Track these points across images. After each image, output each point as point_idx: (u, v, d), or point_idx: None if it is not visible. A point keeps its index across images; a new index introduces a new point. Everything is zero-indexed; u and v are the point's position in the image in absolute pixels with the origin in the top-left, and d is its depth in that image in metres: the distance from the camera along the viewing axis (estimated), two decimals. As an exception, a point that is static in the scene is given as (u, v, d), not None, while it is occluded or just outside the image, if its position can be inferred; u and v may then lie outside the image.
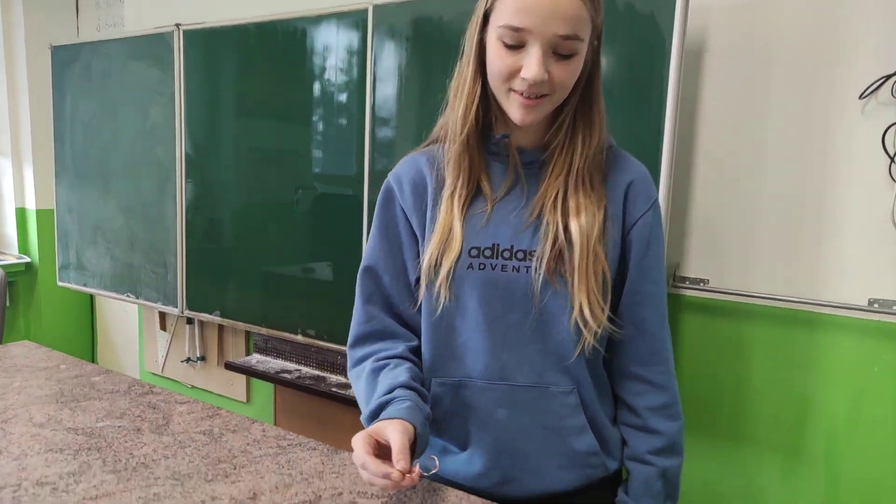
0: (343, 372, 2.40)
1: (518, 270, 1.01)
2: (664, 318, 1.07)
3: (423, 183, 1.08)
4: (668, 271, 1.85)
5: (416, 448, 0.92)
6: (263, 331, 2.48)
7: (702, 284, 1.89)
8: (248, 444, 1.14)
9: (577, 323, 0.99)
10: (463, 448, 1.08)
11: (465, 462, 1.07)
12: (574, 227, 0.98)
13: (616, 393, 1.11)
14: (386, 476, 0.83)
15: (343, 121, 2.20)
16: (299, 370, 2.46)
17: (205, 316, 2.65)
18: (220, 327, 2.93)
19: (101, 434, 1.15)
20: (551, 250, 0.98)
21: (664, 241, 1.10)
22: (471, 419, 1.06)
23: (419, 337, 1.11)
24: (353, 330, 1.13)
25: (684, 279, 1.90)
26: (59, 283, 3.15)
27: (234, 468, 1.05)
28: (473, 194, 1.04)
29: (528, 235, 1.01)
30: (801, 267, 1.78)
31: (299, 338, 2.38)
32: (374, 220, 1.11)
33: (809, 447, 1.83)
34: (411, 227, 1.09)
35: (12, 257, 3.67)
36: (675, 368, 1.09)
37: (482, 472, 1.06)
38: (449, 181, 1.04)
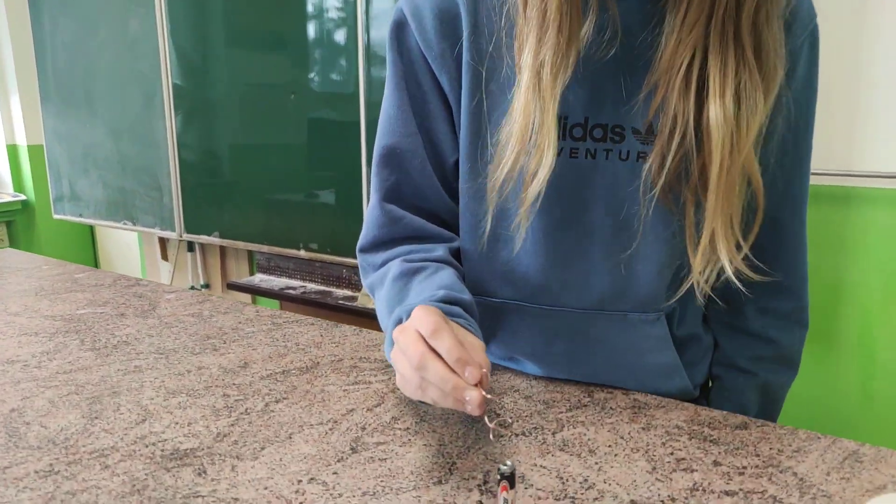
0: (350, 285, 2.32)
1: (610, 157, 0.73)
2: (804, 223, 0.82)
3: (453, 14, 0.74)
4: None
5: None
6: (265, 248, 2.39)
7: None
8: (239, 322, 1.05)
9: (686, 261, 0.73)
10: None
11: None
12: (715, 116, 0.65)
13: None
14: (459, 393, 0.57)
15: (337, 28, 2.05)
16: (304, 286, 2.38)
17: (204, 238, 2.56)
18: (223, 253, 2.84)
19: (80, 319, 1.06)
20: (674, 148, 0.68)
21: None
22: (517, 351, 0.84)
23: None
24: (369, 234, 0.84)
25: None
26: (55, 216, 3.06)
27: (224, 342, 0.96)
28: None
29: (636, 114, 0.71)
30: (836, 138, 1.64)
31: (302, 253, 2.29)
32: (387, 78, 0.81)
33: (843, 332, 1.73)
34: (439, 84, 0.78)
35: (8, 196, 3.58)
36: None
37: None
38: (532, 41, 0.67)
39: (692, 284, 0.73)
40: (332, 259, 2.26)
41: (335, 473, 0.63)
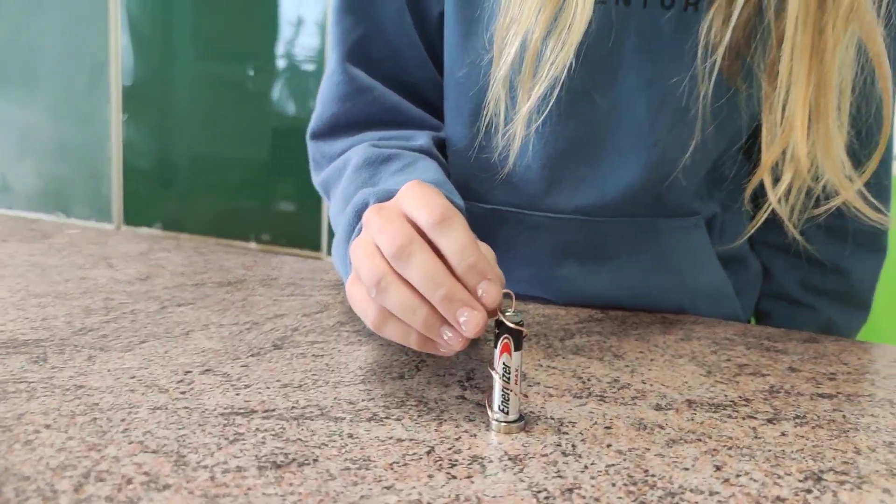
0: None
1: (650, 2, 0.52)
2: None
3: None
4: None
5: None
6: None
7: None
8: (150, 249, 0.84)
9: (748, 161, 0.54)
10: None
11: None
12: None
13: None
14: (457, 305, 0.33)
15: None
16: (253, 284, 2.15)
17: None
18: (166, 253, 2.60)
19: (-52, 242, 0.83)
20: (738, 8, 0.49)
21: None
22: (512, 277, 0.50)
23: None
24: (326, 111, 0.62)
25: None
26: (-18, 210, 2.78)
27: (125, 262, 0.75)
28: None
29: None
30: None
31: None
32: None
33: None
34: None
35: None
36: None
37: None
38: None
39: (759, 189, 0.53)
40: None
41: (244, 367, 0.42)
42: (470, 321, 0.33)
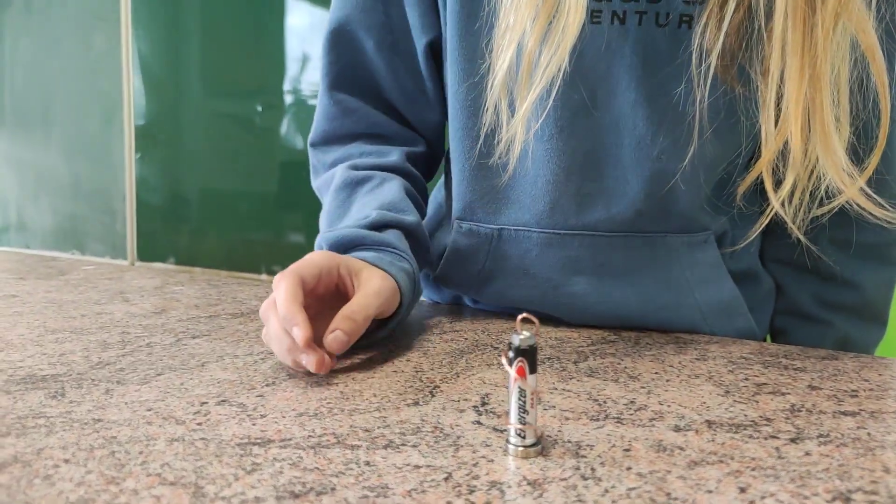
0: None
1: (644, 21, 0.54)
2: None
3: None
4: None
5: (398, 312, 0.54)
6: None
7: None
8: (165, 283, 0.84)
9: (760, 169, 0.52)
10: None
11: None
12: None
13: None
14: (294, 354, 0.45)
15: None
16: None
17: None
18: (180, 288, 2.61)
19: (-34, 281, 0.84)
20: (729, 11, 0.50)
21: None
22: (519, 295, 0.63)
23: (426, 138, 0.70)
24: (319, 128, 0.71)
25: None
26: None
27: (141, 296, 0.75)
28: None
29: None
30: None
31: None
32: None
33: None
34: None
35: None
36: None
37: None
38: None
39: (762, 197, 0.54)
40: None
41: (259, 396, 0.42)
42: (308, 362, 0.45)
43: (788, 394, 0.43)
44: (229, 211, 2.17)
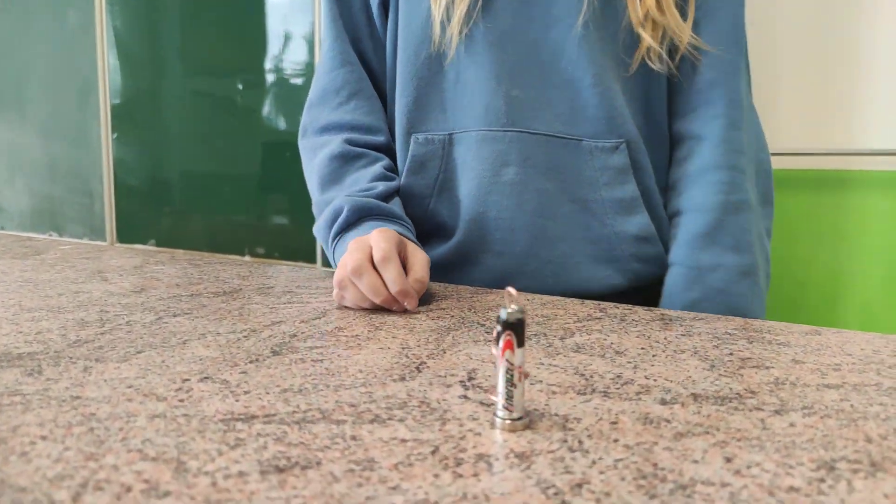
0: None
1: None
2: (742, 41, 0.72)
3: None
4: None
5: None
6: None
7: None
8: (145, 262, 0.83)
9: (631, 27, 0.69)
10: (453, 231, 0.74)
11: (454, 250, 0.73)
12: None
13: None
14: (390, 304, 0.59)
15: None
16: (248, 298, 2.13)
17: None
18: (160, 270, 2.58)
19: (-61, 261, 0.82)
20: None
21: None
22: (466, 188, 0.72)
23: (385, 96, 0.80)
24: (324, 78, 0.79)
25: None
26: (-27, 231, 2.76)
27: (120, 275, 0.74)
28: None
29: None
30: (829, 119, 1.53)
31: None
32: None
33: (843, 325, 1.57)
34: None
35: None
36: (768, 161, 0.74)
37: (477, 261, 0.72)
38: None
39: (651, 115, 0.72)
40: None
41: (243, 373, 0.42)
42: (398, 309, 0.59)
43: (772, 367, 0.43)
44: (211, 193, 2.14)
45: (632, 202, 0.70)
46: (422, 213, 0.74)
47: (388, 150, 0.77)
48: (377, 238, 0.60)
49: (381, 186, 0.70)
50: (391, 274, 0.58)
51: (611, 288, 0.70)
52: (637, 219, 0.70)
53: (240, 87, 2.02)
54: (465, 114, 0.71)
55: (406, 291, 0.58)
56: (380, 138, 0.76)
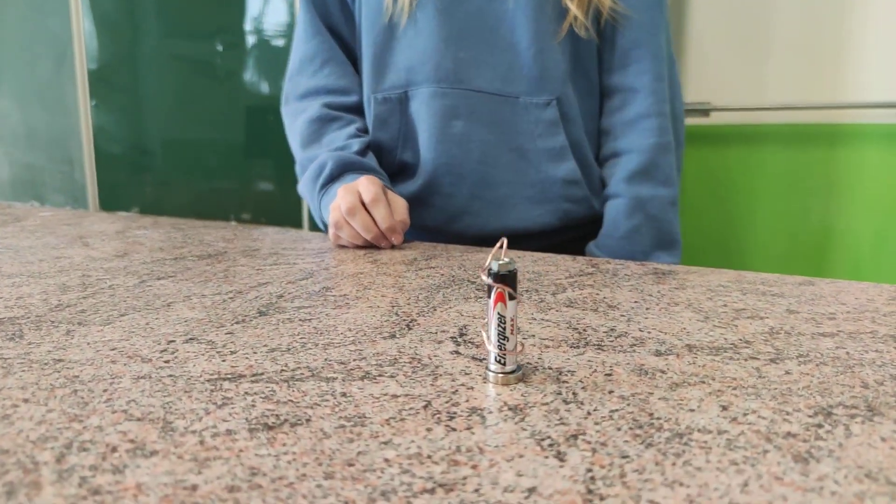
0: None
1: None
2: (662, 1, 0.79)
3: None
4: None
5: None
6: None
7: (704, 113, 1.61)
8: (127, 227, 0.81)
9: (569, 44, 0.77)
10: (413, 176, 0.81)
11: (412, 192, 0.80)
12: None
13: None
14: (378, 241, 0.70)
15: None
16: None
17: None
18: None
19: (-85, 230, 0.80)
20: None
21: None
22: (422, 139, 0.80)
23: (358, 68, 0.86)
24: (301, 49, 0.85)
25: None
26: (-47, 203, 2.71)
27: (102, 241, 0.72)
28: None
29: None
30: (822, 72, 1.51)
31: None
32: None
33: (833, 277, 1.59)
34: None
35: None
36: (681, 109, 0.83)
37: (431, 202, 0.80)
38: None
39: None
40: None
41: (229, 333, 0.41)
42: (386, 246, 0.70)
43: (767, 318, 0.43)
44: (194, 159, 2.10)
45: (561, 151, 0.78)
46: (391, 163, 0.82)
47: (361, 108, 0.84)
48: (365, 184, 0.70)
49: (357, 144, 0.78)
50: (381, 213, 0.68)
51: (544, 226, 0.79)
52: (566, 165, 0.78)
53: (220, 48, 1.97)
54: (417, 74, 0.78)
55: (394, 228, 0.68)
56: (353, 98, 0.83)
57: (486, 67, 0.76)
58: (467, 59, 0.76)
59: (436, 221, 0.80)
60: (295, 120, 0.82)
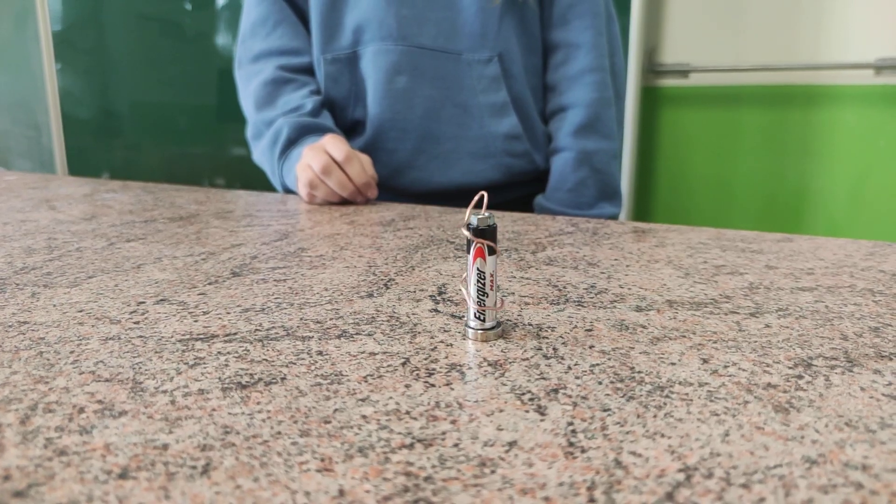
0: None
1: None
2: (598, 14, 0.81)
3: None
4: (643, 58, 1.55)
5: None
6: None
7: (684, 74, 1.60)
8: (95, 190, 0.79)
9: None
10: (363, 131, 0.82)
11: (358, 148, 0.81)
12: None
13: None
14: (354, 196, 0.71)
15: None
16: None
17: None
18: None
19: None
20: None
21: None
22: (370, 95, 0.81)
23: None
24: (252, 13, 0.84)
25: (661, 69, 1.61)
26: (-85, 170, 2.62)
27: (69, 204, 0.70)
28: None
29: None
30: (800, 33, 1.51)
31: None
32: None
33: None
34: None
35: None
36: (621, 64, 0.86)
37: (377, 157, 0.81)
38: None
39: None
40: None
41: (201, 294, 0.40)
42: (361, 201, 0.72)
43: (746, 273, 0.43)
44: (165, 123, 2.05)
45: (503, 106, 0.79)
46: (343, 120, 0.83)
47: (313, 69, 0.84)
48: (332, 142, 0.70)
49: (310, 104, 0.78)
50: (355, 169, 0.69)
51: (488, 181, 0.80)
52: (508, 120, 0.80)
53: (188, 7, 1.91)
54: (364, 33, 0.79)
55: (369, 183, 0.71)
56: (306, 58, 0.83)
57: (428, 24, 0.78)
58: (410, 17, 0.77)
59: (381, 176, 0.81)
60: (249, 83, 0.82)
